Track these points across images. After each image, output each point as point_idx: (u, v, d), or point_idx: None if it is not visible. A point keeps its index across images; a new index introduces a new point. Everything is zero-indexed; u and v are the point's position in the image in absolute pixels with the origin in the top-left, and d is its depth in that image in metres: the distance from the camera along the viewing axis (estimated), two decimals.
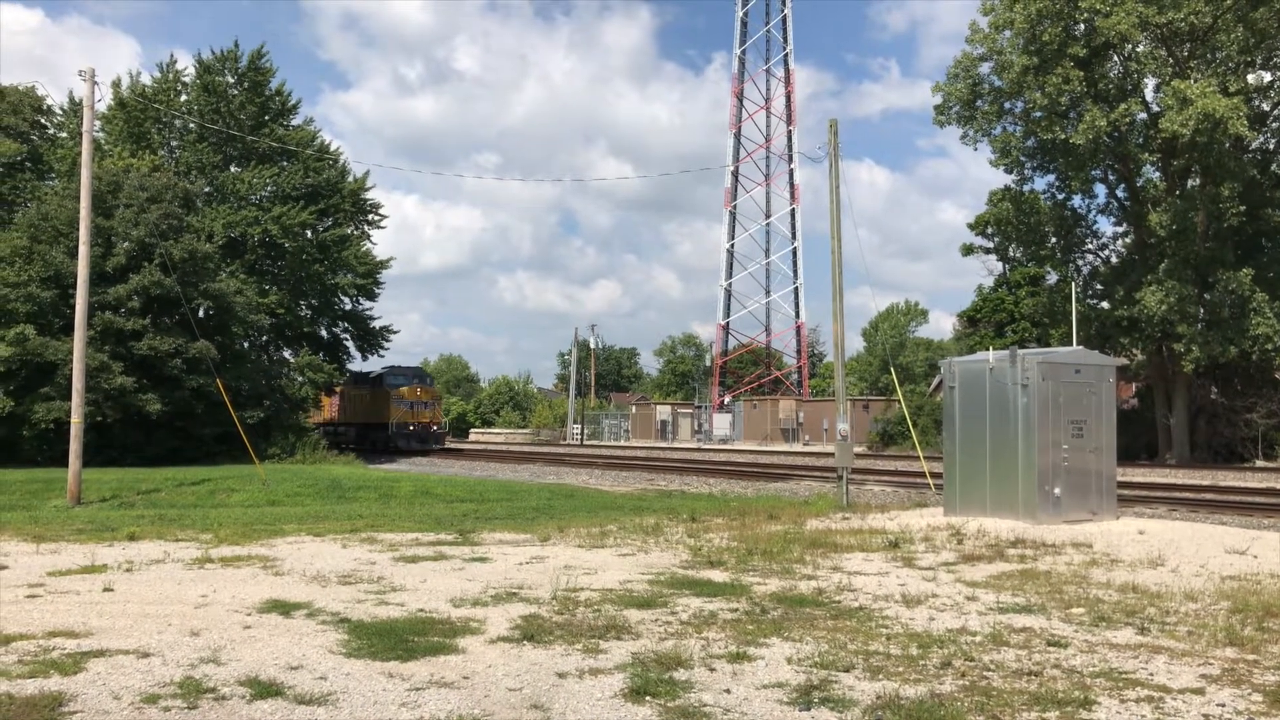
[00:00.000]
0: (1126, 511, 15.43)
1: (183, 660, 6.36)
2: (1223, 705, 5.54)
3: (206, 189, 38.23)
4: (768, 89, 72.02)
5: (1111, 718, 5.29)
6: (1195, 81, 30.37)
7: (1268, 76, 33.32)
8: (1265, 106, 33.63)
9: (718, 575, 9.75)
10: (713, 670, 6.17)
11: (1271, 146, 34.87)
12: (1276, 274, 33.17)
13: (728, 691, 5.74)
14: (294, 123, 41.09)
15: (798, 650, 6.65)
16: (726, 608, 8.09)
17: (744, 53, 71.85)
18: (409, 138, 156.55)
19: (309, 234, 38.97)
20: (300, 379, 36.76)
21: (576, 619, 7.63)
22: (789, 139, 70.22)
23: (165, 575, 9.83)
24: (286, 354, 40.48)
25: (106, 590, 8.89)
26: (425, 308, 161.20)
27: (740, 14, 71.65)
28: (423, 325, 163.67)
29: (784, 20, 70.18)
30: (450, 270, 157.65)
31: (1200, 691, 5.79)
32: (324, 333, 43.07)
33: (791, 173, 70.73)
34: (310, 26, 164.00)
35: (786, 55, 70.39)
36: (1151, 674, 6.14)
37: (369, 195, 42.35)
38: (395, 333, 45.55)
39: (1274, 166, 34.27)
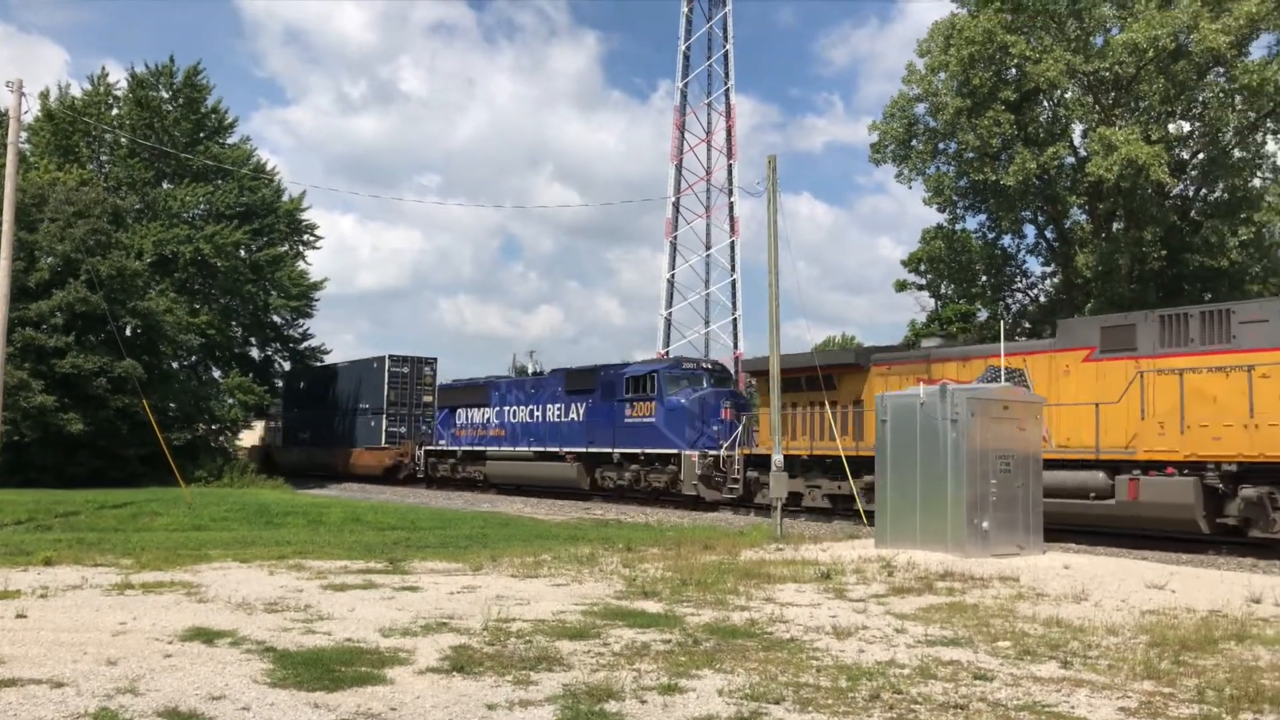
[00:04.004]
0: (1052, 546, 15.73)
1: (98, 690, 6.17)
2: None
3: (137, 205, 37.47)
4: (709, 122, 72.73)
5: None
6: (1120, 128, 31.40)
7: (1187, 126, 34.56)
8: (1185, 155, 34.85)
9: (652, 606, 9.73)
10: (644, 702, 6.15)
11: (1191, 194, 36.09)
12: None
13: None
14: (230, 141, 40.59)
15: (729, 682, 6.66)
16: (659, 639, 8.08)
17: (686, 86, 72.51)
18: (349, 156, 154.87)
19: (242, 253, 38.40)
20: (230, 401, 36.06)
21: (507, 650, 7.56)
22: (729, 172, 70.91)
23: (83, 601, 9.54)
24: (216, 375, 39.73)
25: (19, 617, 8.60)
26: (361, 328, 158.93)
27: (682, 48, 72.39)
28: (357, 346, 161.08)
29: (725, 56, 71.06)
30: (389, 291, 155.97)
31: None
32: (256, 353, 42.43)
33: (731, 206, 71.41)
34: (251, 41, 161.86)
35: (728, 90, 71.21)
36: (1073, 707, 6.26)
37: (305, 215, 41.94)
38: (327, 353, 45.06)
39: (1193, 213, 35.46)
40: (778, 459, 19.27)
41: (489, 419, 34.38)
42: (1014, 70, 33.26)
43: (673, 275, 73.18)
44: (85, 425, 29.43)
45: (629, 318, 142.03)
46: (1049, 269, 39.95)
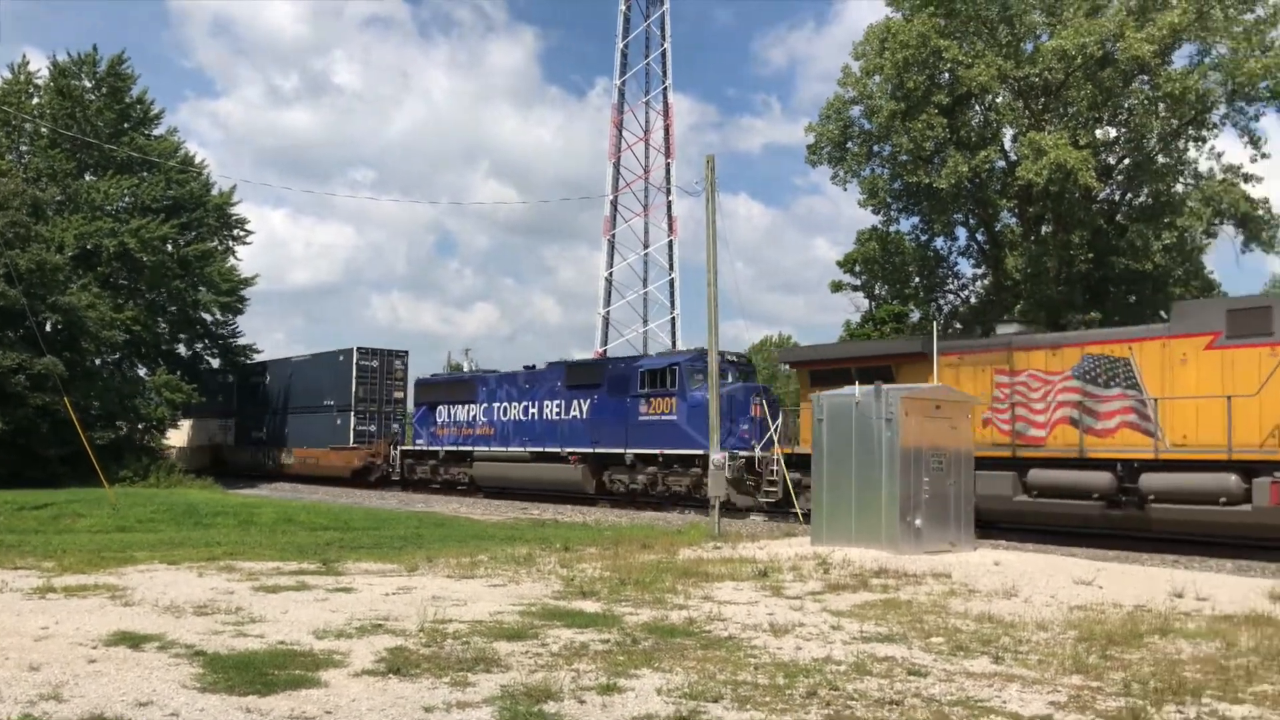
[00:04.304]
0: (984, 542, 16.03)
1: (20, 697, 5.97)
2: None
3: (58, 197, 36.33)
4: (647, 121, 72.84)
5: None
6: (1049, 133, 32.10)
7: (1113, 132, 35.49)
8: (1111, 160, 35.75)
9: (590, 606, 9.71)
10: (583, 702, 6.13)
11: (1117, 198, 37.03)
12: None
13: None
14: (156, 132, 39.59)
15: (668, 681, 6.66)
16: (598, 639, 8.06)
17: (624, 84, 72.53)
18: (281, 149, 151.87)
19: (169, 248, 37.45)
20: (156, 399, 35.20)
21: (444, 651, 7.48)
22: (667, 171, 71.12)
23: (2, 606, 9.23)
24: (142, 372, 38.71)
25: None
26: (293, 325, 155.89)
27: (620, 46, 72.38)
28: (289, 344, 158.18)
29: (664, 54, 71.24)
30: (321, 287, 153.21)
31: (1048, 718, 6.04)
32: (183, 351, 41.45)
33: (670, 205, 71.61)
34: (178, 31, 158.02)
35: (666, 89, 71.42)
36: (1005, 701, 6.37)
37: (235, 210, 41.04)
38: (259, 352, 44.18)
39: (1119, 217, 36.39)
40: (716, 458, 19.37)
41: (475, 416, 31.75)
42: (947, 74, 33.82)
43: (611, 274, 73.16)
44: (3, 424, 28.56)
45: (566, 316, 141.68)
46: (980, 271, 40.75)
